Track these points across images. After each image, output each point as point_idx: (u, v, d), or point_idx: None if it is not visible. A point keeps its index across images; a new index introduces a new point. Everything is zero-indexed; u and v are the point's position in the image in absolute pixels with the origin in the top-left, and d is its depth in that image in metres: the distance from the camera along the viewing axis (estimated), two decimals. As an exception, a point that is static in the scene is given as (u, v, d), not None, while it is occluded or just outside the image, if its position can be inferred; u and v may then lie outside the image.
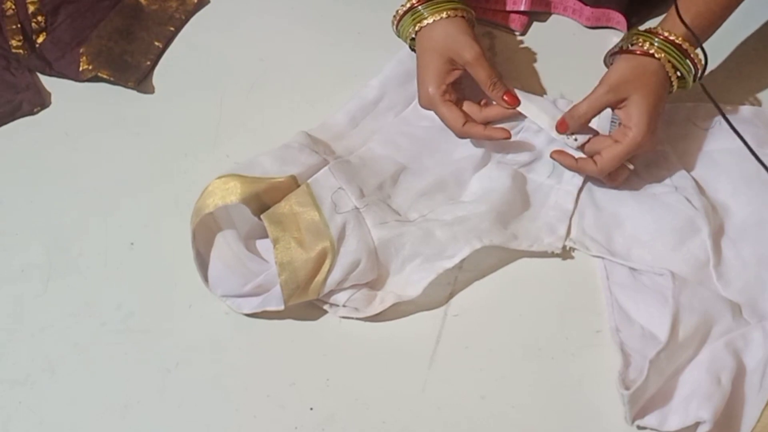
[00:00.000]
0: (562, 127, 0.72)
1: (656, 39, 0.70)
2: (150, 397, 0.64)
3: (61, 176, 0.78)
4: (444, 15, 0.74)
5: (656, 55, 0.69)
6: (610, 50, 0.83)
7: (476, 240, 0.68)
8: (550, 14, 0.91)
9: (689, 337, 0.63)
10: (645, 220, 0.72)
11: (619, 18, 0.87)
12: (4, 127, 0.82)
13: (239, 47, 0.88)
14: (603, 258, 0.70)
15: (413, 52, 0.80)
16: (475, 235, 0.69)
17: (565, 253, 0.71)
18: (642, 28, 0.73)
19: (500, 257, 0.71)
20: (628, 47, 0.71)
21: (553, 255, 0.71)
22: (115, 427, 0.63)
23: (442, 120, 0.74)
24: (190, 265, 0.67)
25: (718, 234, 0.71)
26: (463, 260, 0.68)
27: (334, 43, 0.88)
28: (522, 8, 0.88)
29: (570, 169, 0.73)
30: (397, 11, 0.77)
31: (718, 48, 0.79)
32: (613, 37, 0.87)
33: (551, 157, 0.73)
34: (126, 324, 0.68)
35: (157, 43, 0.88)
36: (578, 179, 0.74)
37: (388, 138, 0.77)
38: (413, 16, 0.75)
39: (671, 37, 0.70)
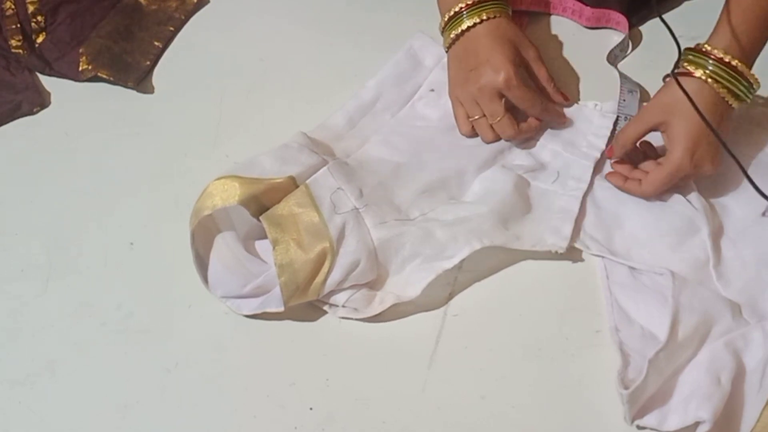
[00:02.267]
0: (609, 153, 0.75)
1: (709, 61, 0.69)
2: (150, 397, 0.64)
3: (61, 176, 0.78)
4: (498, 15, 0.76)
5: (702, 77, 0.69)
6: (610, 51, 0.84)
7: (476, 240, 0.68)
8: (550, 14, 0.91)
9: (689, 337, 0.63)
10: (645, 220, 0.72)
11: (619, 18, 0.87)
12: (4, 127, 0.82)
13: (239, 47, 0.88)
14: (603, 257, 0.70)
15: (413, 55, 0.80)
16: (475, 235, 0.68)
17: (566, 253, 0.71)
18: (692, 45, 0.71)
19: (501, 258, 0.71)
20: (678, 69, 0.71)
21: (554, 256, 0.70)
22: (115, 427, 0.63)
23: (519, 102, 0.75)
24: (190, 266, 0.67)
25: (717, 234, 0.71)
26: (463, 260, 0.68)
27: (334, 43, 0.88)
28: (522, 8, 0.88)
29: (619, 188, 0.73)
30: (444, 18, 0.77)
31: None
32: (613, 37, 0.87)
33: (606, 178, 0.74)
34: (126, 324, 0.68)
35: (156, 43, 0.88)
36: (584, 184, 0.74)
37: (385, 139, 0.77)
38: (455, 21, 0.76)
39: (721, 56, 0.68)
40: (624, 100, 0.78)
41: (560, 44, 0.88)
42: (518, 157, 0.76)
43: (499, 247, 0.69)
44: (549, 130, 0.78)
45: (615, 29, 0.88)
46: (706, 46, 0.70)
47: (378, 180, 0.72)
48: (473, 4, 0.76)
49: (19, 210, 0.76)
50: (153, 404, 0.64)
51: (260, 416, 0.63)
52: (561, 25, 0.90)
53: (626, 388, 0.60)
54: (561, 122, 0.77)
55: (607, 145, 0.76)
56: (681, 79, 0.69)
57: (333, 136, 0.77)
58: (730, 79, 0.69)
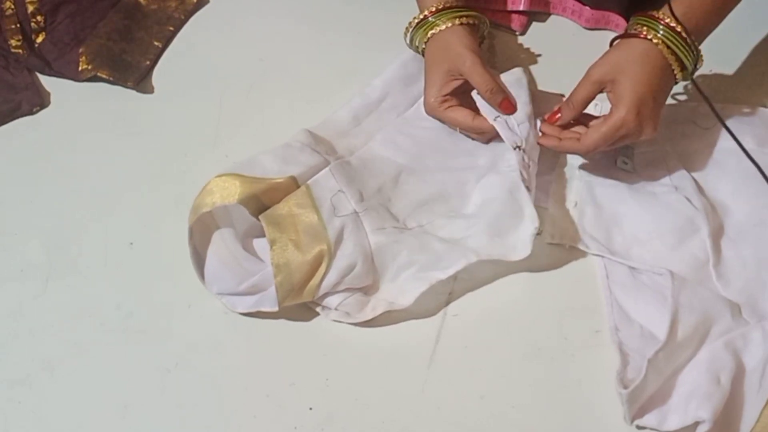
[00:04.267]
0: (552, 119, 0.73)
1: (660, 26, 0.69)
2: (149, 397, 0.64)
3: (61, 176, 0.78)
4: (449, 24, 0.75)
5: (654, 41, 0.69)
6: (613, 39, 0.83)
7: (473, 254, 0.68)
8: (549, 14, 0.91)
9: (688, 337, 0.63)
10: (644, 220, 0.72)
11: (618, 20, 0.87)
12: (4, 127, 0.82)
13: (239, 47, 0.88)
14: (603, 257, 0.70)
15: (420, 56, 0.80)
16: (471, 250, 0.68)
17: (565, 253, 0.71)
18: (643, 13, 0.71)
19: (499, 264, 0.70)
20: (630, 32, 0.71)
21: (555, 255, 0.70)
22: (115, 427, 0.63)
23: (451, 124, 0.76)
24: (190, 266, 0.67)
25: (717, 234, 0.71)
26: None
27: (334, 43, 0.88)
28: (521, 8, 0.88)
29: (555, 149, 0.73)
30: (410, 23, 0.77)
31: (722, 48, 0.78)
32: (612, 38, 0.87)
33: (538, 143, 0.73)
34: (125, 324, 0.68)
35: (156, 43, 0.88)
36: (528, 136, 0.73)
37: (389, 138, 0.77)
38: (423, 28, 0.76)
39: (672, 24, 0.69)
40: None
41: (560, 44, 0.88)
42: (514, 158, 0.76)
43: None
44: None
45: (614, 31, 0.88)
46: (658, 12, 0.70)
47: (379, 185, 0.72)
48: (437, 12, 0.76)
49: (19, 210, 0.76)
50: (152, 404, 0.64)
51: (260, 416, 0.63)
52: (561, 26, 0.90)
53: (625, 387, 0.60)
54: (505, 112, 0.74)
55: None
56: (630, 41, 0.70)
57: (337, 132, 0.77)
58: (679, 47, 0.69)
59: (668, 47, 0.69)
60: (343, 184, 0.69)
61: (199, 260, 0.68)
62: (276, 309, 0.66)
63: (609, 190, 0.74)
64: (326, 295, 0.67)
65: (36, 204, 0.76)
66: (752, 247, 0.70)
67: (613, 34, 0.87)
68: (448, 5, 0.76)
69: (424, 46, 0.77)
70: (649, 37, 0.69)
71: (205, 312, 0.68)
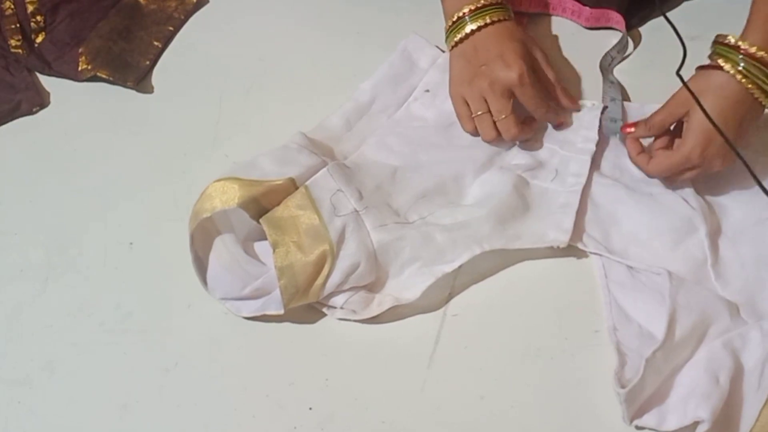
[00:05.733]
0: (626, 129, 0.74)
1: (739, 56, 0.67)
2: (149, 397, 0.64)
3: (61, 176, 0.78)
4: (507, 17, 0.77)
5: (731, 72, 0.67)
6: (606, 54, 0.83)
7: (476, 246, 0.68)
8: (549, 15, 0.91)
9: (686, 337, 0.63)
10: (642, 219, 0.72)
11: (618, 18, 0.86)
12: (3, 126, 0.82)
13: (238, 47, 0.88)
14: (601, 256, 0.70)
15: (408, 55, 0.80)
16: (474, 240, 0.68)
17: (564, 252, 0.71)
18: (723, 37, 0.69)
19: (500, 258, 0.70)
20: (711, 61, 0.70)
21: (553, 255, 0.70)
22: (114, 427, 0.63)
23: (527, 100, 0.75)
24: (190, 266, 0.67)
25: (715, 233, 0.71)
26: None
27: (333, 43, 0.88)
28: (521, 9, 0.88)
29: (630, 156, 0.74)
30: (463, 10, 0.77)
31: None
32: (612, 38, 0.87)
33: (627, 136, 0.74)
34: (125, 324, 0.68)
35: (156, 43, 0.88)
36: (582, 179, 0.73)
37: (381, 142, 0.77)
38: (493, 9, 0.76)
39: (752, 51, 0.67)
40: (606, 107, 0.79)
41: (560, 44, 0.88)
42: (516, 156, 0.76)
43: (501, 249, 0.69)
44: (544, 130, 0.78)
45: (615, 29, 0.88)
46: (738, 41, 0.68)
47: (377, 184, 0.72)
48: (477, 9, 0.76)
49: (19, 210, 0.76)
50: (152, 404, 0.64)
51: (259, 416, 0.63)
52: (560, 26, 0.90)
53: (623, 387, 0.60)
54: (561, 126, 0.77)
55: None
56: (708, 71, 0.69)
57: (330, 137, 0.77)
58: (760, 75, 0.67)
59: (747, 77, 0.67)
60: (342, 184, 0.69)
61: (201, 266, 0.68)
62: (281, 312, 0.66)
63: (607, 189, 0.74)
64: (331, 294, 0.67)
65: (36, 204, 0.76)
66: (750, 246, 0.70)
67: (613, 33, 0.88)
68: (494, 2, 0.76)
69: (475, 27, 0.75)
70: (726, 68, 0.67)
71: (205, 312, 0.68)
